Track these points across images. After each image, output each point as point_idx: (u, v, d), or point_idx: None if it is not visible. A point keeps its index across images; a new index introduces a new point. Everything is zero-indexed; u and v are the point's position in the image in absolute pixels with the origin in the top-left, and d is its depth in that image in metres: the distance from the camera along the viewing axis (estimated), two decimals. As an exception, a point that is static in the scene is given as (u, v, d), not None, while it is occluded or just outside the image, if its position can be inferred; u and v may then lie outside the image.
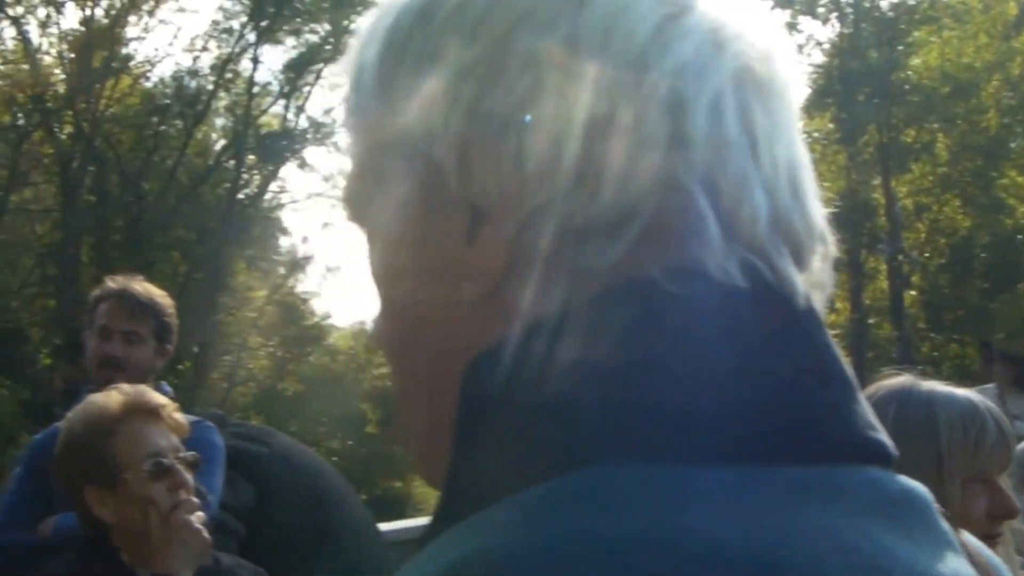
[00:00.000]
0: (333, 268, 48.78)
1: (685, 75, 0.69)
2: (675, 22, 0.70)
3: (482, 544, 0.60)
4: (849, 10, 29.65)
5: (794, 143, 0.74)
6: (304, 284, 35.75)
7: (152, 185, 29.36)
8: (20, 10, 28.50)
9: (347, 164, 0.82)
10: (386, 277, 0.80)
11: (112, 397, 2.69)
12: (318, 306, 37.47)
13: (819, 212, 0.75)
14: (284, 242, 33.61)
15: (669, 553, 0.56)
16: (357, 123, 0.80)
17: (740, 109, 0.70)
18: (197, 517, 2.60)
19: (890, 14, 29.48)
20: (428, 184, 0.73)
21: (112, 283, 3.73)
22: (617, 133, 0.67)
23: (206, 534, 2.60)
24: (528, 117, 0.69)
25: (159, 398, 2.73)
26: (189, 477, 2.63)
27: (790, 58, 0.75)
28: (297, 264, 33.06)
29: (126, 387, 2.76)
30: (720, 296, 0.67)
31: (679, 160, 0.68)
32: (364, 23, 0.82)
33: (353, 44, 0.82)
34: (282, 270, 33.15)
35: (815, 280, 0.75)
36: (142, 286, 3.74)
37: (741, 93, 0.70)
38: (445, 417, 0.74)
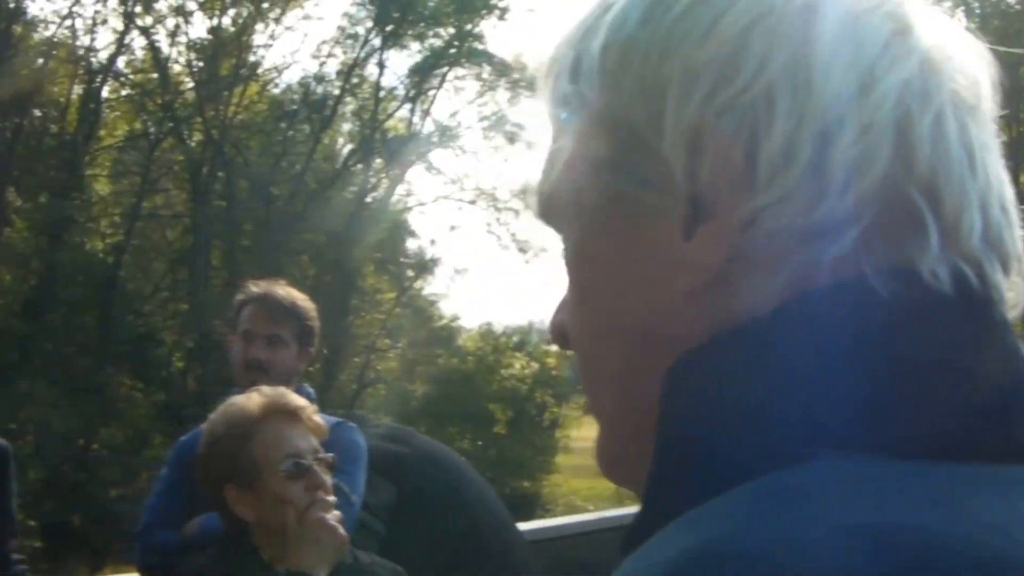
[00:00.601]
0: (461, 270, 49.13)
1: (910, 90, 0.72)
2: (901, 39, 0.74)
3: (720, 533, 0.62)
4: (975, 4, 28.91)
5: (999, 163, 0.77)
6: (432, 286, 35.92)
7: (281, 190, 29.81)
8: (149, 20, 29.22)
9: (546, 155, 0.83)
10: (588, 268, 0.81)
11: (252, 399, 2.77)
12: (446, 308, 37.56)
13: (1019, 230, 0.77)
14: (412, 244, 33.75)
15: (921, 545, 0.57)
16: (570, 113, 0.80)
17: (959, 126, 0.73)
18: (333, 516, 2.65)
19: (1017, 7, 28.68)
20: (647, 176, 0.75)
21: (255, 287, 3.82)
22: (846, 137, 0.70)
23: (342, 532, 2.65)
24: (762, 116, 0.71)
25: (298, 400, 2.80)
26: (326, 478, 2.70)
27: (992, 84, 0.77)
28: (425, 266, 33.20)
29: (266, 389, 2.83)
30: (926, 299, 0.70)
31: (904, 169, 0.71)
32: (578, 16, 0.82)
33: (566, 36, 0.82)
34: (410, 272, 33.35)
35: (1014, 294, 0.77)
36: (284, 290, 3.82)
37: (958, 112, 0.74)
38: (639, 409, 0.77)
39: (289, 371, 3.71)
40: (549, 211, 0.83)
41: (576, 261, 0.82)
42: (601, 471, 0.85)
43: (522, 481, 33.48)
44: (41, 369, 24.96)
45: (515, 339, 36.64)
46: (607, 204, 0.77)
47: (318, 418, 2.82)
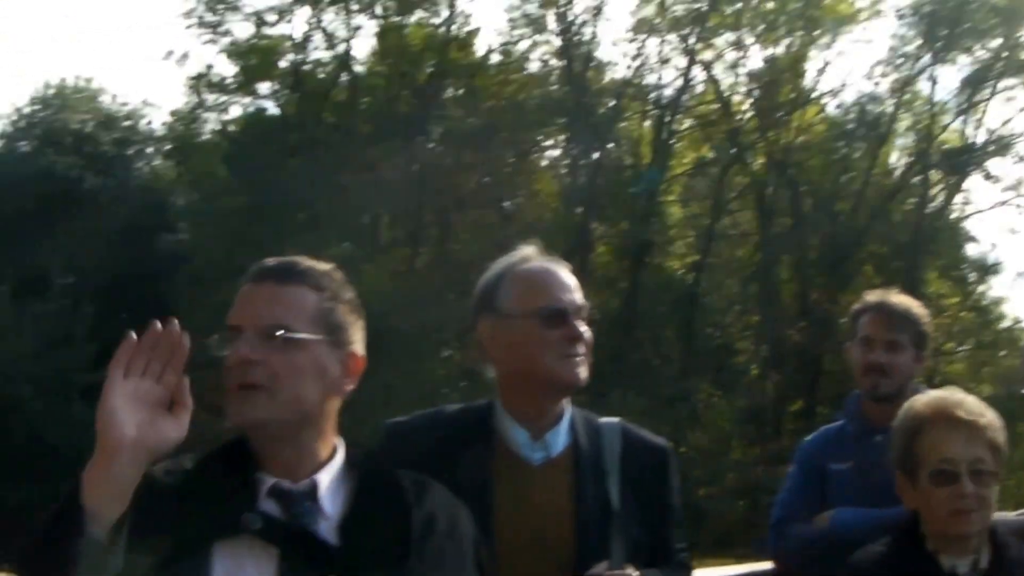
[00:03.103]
0: (1022, 273, 47.40)
1: None
2: None
3: None
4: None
5: None
6: (994, 290, 35.59)
7: (843, 205, 31.09)
8: (709, 56, 31.56)
9: None
10: None
11: (922, 400, 2.93)
12: (1009, 310, 36.97)
13: None
14: (972, 250, 33.82)
15: None
16: None
17: None
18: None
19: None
20: None
21: (871, 296, 3.89)
22: None
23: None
24: None
25: (969, 408, 2.83)
26: (986, 490, 2.77)
27: None
28: (987, 270, 33.30)
29: (938, 394, 2.95)
30: None
31: None
32: None
33: None
34: (972, 277, 33.56)
35: None
36: (899, 298, 3.85)
37: None
38: None
39: (906, 375, 3.75)
40: None
41: None
42: None
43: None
44: (631, 380, 26.77)
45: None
46: None
47: (993, 425, 2.84)
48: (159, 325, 1.99)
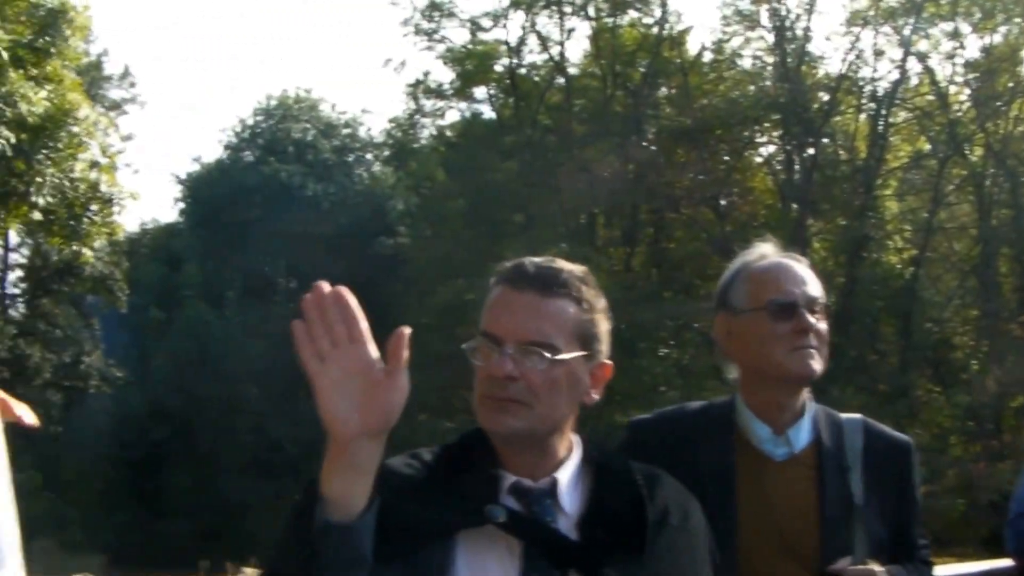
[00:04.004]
0: None
1: None
2: None
3: None
4: None
5: None
6: None
7: (1068, 197, 30.34)
8: (924, 46, 31.24)
9: None
10: None
11: None
12: None
13: None
14: None
15: None
16: None
17: None
18: None
19: None
20: None
21: None
22: None
23: None
24: None
25: None
26: None
27: None
28: None
29: None
30: None
31: None
32: None
33: None
34: None
35: None
36: None
37: None
38: None
39: None
40: None
41: None
42: None
43: None
44: (849, 376, 26.79)
45: None
46: None
47: None
48: (316, 294, 1.90)
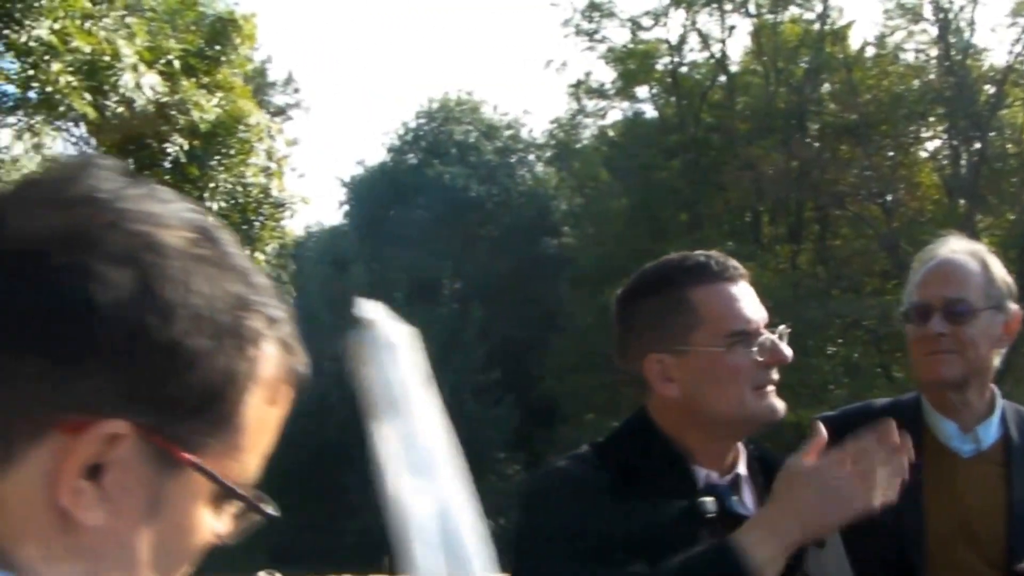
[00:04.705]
0: None
1: None
2: None
3: None
4: None
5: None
6: None
7: None
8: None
9: None
10: None
11: None
12: None
13: None
14: None
15: None
16: None
17: None
18: None
19: None
20: None
21: None
22: None
23: None
24: None
25: None
26: None
27: None
28: None
29: None
30: None
31: None
32: None
33: None
34: None
35: None
36: None
37: None
38: None
39: None
40: None
41: None
42: None
43: None
44: (1020, 372, 26.66)
45: None
46: None
47: None
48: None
